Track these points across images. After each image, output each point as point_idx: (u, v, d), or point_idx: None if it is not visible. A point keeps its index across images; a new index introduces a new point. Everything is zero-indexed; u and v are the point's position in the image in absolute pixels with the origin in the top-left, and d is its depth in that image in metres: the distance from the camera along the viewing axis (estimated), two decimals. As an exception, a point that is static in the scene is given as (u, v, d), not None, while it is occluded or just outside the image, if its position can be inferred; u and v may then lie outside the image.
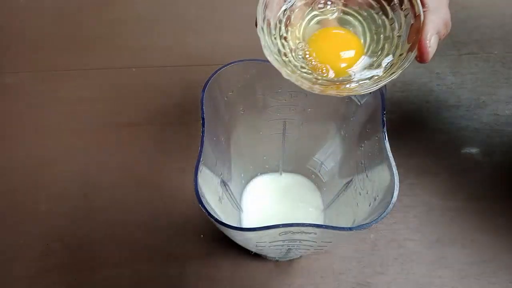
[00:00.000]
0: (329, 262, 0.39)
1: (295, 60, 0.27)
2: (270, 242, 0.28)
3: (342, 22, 0.28)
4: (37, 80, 0.53)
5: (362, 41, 0.27)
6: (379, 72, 0.26)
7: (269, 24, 0.26)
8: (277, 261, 0.39)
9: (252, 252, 0.38)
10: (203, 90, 0.28)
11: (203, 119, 0.27)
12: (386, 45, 0.26)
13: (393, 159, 0.25)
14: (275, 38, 0.27)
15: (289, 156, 0.40)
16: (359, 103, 0.31)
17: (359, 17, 0.27)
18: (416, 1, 0.25)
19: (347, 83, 0.26)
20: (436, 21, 0.24)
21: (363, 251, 0.40)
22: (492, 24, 0.58)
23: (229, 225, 0.24)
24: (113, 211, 0.42)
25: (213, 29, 0.57)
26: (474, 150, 0.46)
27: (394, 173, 0.25)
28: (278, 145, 0.39)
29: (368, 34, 0.27)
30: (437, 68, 0.53)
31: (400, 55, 0.26)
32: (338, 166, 0.37)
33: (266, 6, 0.25)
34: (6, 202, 0.43)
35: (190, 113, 0.49)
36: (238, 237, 0.28)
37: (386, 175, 0.26)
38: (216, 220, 0.24)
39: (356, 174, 0.32)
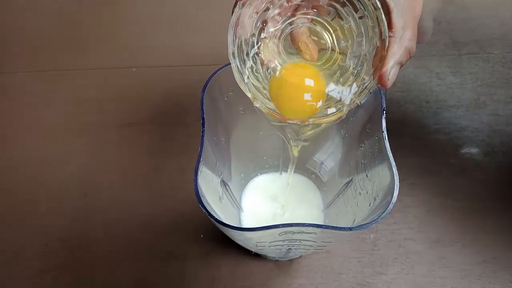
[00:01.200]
0: (329, 262, 0.39)
1: (267, 74, 0.27)
2: (270, 242, 0.28)
3: (311, 33, 0.28)
4: (37, 80, 0.53)
5: (324, 74, 0.27)
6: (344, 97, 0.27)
7: (240, 44, 0.26)
8: (277, 260, 0.39)
9: (252, 252, 0.38)
10: (203, 90, 0.28)
11: (203, 119, 0.28)
12: (351, 62, 0.27)
13: (393, 159, 0.25)
14: (246, 55, 0.27)
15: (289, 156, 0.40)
16: (359, 103, 0.31)
17: (329, 27, 0.27)
18: (383, 22, 0.24)
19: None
20: (399, 52, 0.25)
21: (363, 251, 0.40)
22: (492, 24, 0.58)
23: (229, 225, 0.24)
24: (113, 211, 0.42)
25: (213, 29, 0.57)
26: (474, 150, 0.46)
27: (394, 173, 0.25)
28: (278, 145, 0.38)
29: (336, 48, 0.27)
30: (437, 68, 0.53)
31: (363, 79, 0.26)
32: (338, 166, 0.37)
33: (237, 25, 0.25)
34: (6, 201, 0.43)
35: (190, 113, 0.49)
36: (238, 237, 0.28)
37: (386, 175, 0.26)
38: (216, 220, 0.24)
39: (356, 174, 0.32)
